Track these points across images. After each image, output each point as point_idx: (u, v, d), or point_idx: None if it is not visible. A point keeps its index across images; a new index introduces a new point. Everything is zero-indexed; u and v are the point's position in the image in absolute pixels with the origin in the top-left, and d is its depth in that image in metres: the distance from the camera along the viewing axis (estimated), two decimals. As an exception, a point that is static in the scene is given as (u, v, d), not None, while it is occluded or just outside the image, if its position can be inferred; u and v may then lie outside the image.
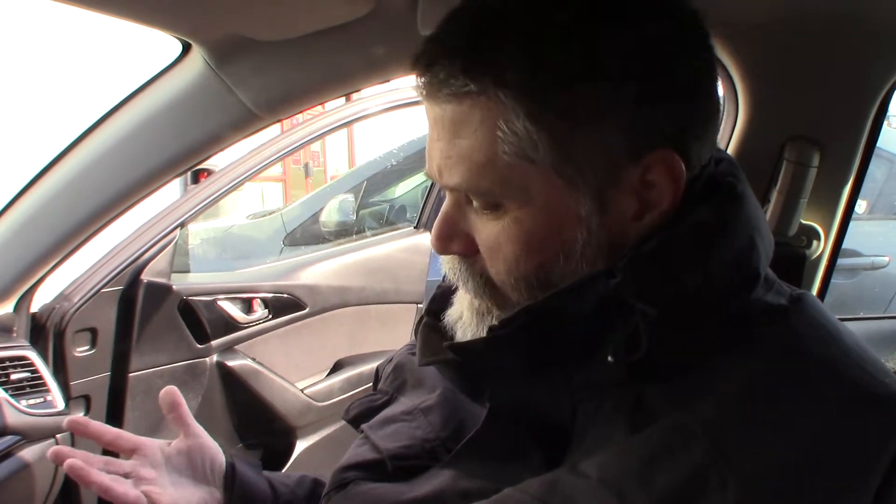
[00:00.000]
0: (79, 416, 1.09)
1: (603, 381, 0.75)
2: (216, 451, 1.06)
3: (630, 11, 0.73)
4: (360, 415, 0.99)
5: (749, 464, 0.66)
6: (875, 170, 4.42)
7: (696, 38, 0.76)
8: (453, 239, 0.80)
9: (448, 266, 0.83)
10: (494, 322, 0.79)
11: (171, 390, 1.05)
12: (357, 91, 1.54)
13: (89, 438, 1.04)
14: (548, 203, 0.74)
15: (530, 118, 0.71)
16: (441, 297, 0.92)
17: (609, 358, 0.72)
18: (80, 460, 0.96)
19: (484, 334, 0.80)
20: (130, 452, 1.03)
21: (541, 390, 0.80)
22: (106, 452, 2.12)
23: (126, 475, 1.00)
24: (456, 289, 0.87)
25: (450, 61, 0.73)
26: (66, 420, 1.05)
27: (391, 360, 1.04)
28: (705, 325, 0.74)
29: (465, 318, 0.83)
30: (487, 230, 0.77)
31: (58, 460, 0.99)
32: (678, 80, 0.74)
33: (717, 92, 0.79)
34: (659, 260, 0.73)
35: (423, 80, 0.76)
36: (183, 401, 1.06)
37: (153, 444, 1.04)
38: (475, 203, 0.77)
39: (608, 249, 0.76)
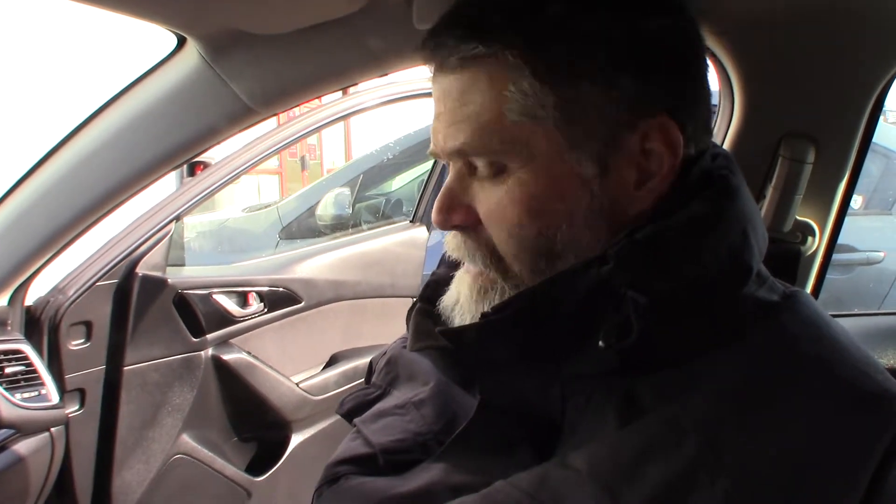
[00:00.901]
0: None
1: (593, 372, 0.75)
2: None
3: None
4: (353, 409, 1.00)
5: (739, 460, 0.66)
6: (871, 165, 4.42)
7: (687, 23, 0.80)
8: (455, 211, 0.81)
9: (452, 244, 0.84)
10: (499, 297, 0.80)
11: None
12: (354, 85, 1.54)
13: None
14: (551, 163, 0.76)
15: (537, 77, 0.74)
16: (434, 285, 0.93)
17: (600, 343, 0.73)
18: None
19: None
20: None
21: (531, 382, 0.80)
22: (101, 442, 2.13)
23: None
24: (450, 278, 0.87)
25: (460, 28, 0.76)
26: None
27: (384, 354, 1.04)
28: (696, 318, 0.74)
29: (464, 299, 0.83)
30: (490, 196, 0.78)
31: None
32: (673, 57, 0.78)
33: (707, 78, 0.82)
34: (651, 249, 0.73)
35: (432, 52, 0.79)
36: None
37: None
38: (479, 167, 0.78)
39: (609, 217, 0.77)
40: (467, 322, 0.82)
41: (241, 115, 1.30)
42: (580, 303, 0.74)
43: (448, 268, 0.95)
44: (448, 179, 0.82)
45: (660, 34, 0.77)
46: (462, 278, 0.84)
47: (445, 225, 0.82)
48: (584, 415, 0.75)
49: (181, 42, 1.24)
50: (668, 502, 0.65)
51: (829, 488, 0.66)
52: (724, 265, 0.75)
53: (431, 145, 0.83)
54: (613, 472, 0.68)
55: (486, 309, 0.80)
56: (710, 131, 0.83)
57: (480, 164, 0.78)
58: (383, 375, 1.01)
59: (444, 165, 3.19)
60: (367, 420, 0.94)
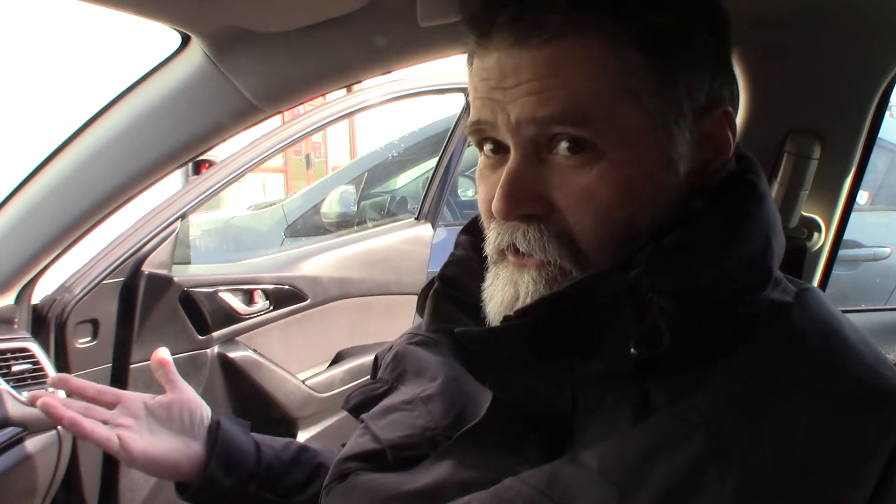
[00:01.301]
0: (62, 374, 1.13)
1: (608, 373, 0.75)
2: (200, 407, 1.11)
3: None
4: (360, 404, 0.99)
5: (748, 457, 0.66)
6: (877, 161, 4.41)
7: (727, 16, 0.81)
8: (526, 199, 0.75)
9: (512, 235, 0.77)
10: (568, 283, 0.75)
11: (162, 351, 1.12)
12: (358, 82, 1.54)
13: (72, 394, 1.10)
14: (646, 143, 0.74)
15: (643, 53, 0.73)
16: (454, 267, 0.90)
17: (632, 350, 0.71)
18: (54, 400, 1.04)
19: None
20: (113, 405, 1.09)
21: (544, 380, 0.79)
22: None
23: (104, 422, 1.05)
24: (476, 264, 0.85)
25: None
26: (51, 378, 1.10)
27: (390, 349, 1.04)
28: (715, 322, 0.73)
29: (531, 295, 0.76)
30: (576, 180, 0.73)
31: (31, 400, 1.08)
32: (727, 48, 0.81)
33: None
34: (680, 254, 0.73)
35: (514, 25, 0.73)
36: (171, 360, 1.12)
37: (135, 396, 1.10)
38: (562, 145, 0.73)
39: (679, 200, 0.77)
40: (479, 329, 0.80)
41: (245, 113, 1.30)
42: (604, 308, 0.73)
43: (466, 251, 0.91)
44: (514, 162, 0.75)
45: (726, 31, 0.79)
46: (519, 273, 0.78)
47: (514, 214, 0.75)
48: (596, 413, 0.75)
49: (185, 40, 1.24)
50: (676, 499, 0.65)
51: (838, 484, 0.66)
52: (746, 270, 0.75)
53: (480, 116, 0.77)
54: (623, 469, 0.68)
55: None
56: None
57: (566, 140, 0.73)
58: (389, 371, 1.00)
59: (449, 162, 3.20)
60: (374, 416, 0.94)
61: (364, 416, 0.95)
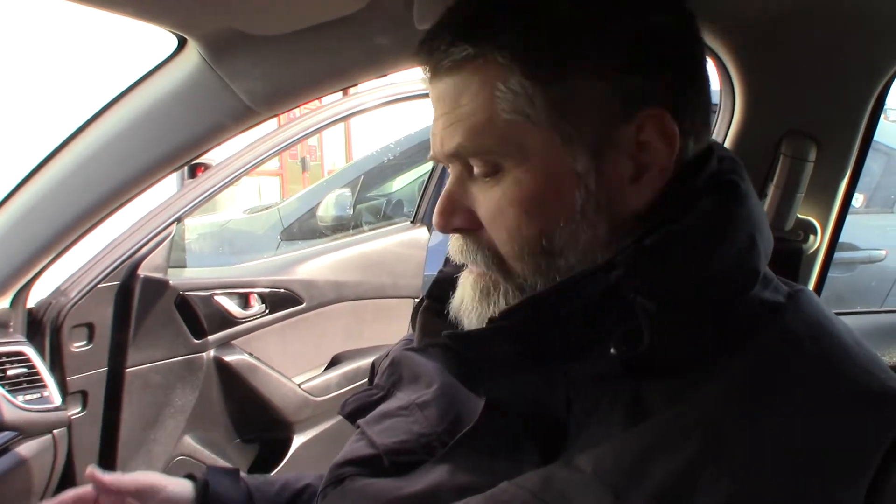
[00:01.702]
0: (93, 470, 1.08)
1: (601, 376, 0.75)
2: (177, 496, 1.06)
3: None
4: (356, 410, 1.00)
5: (743, 459, 0.66)
6: (872, 163, 4.42)
7: (679, 12, 0.80)
8: (455, 214, 0.81)
9: (455, 247, 0.84)
10: (503, 298, 0.80)
11: (90, 474, 1.04)
12: (354, 85, 1.54)
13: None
14: (545, 160, 0.76)
15: (526, 76, 0.74)
16: (443, 282, 0.92)
17: (612, 350, 0.73)
18: None
19: (489, 315, 0.80)
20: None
21: (537, 383, 0.80)
22: (103, 444, 2.12)
23: None
24: (457, 276, 0.87)
25: (451, 32, 0.77)
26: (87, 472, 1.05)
27: (387, 355, 1.04)
28: (704, 323, 0.74)
29: (468, 300, 0.83)
30: (488, 198, 0.78)
31: None
32: (666, 51, 0.78)
33: (704, 69, 0.82)
34: (660, 254, 0.73)
35: (427, 57, 0.79)
36: (104, 476, 1.05)
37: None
38: (476, 169, 0.79)
39: (608, 212, 0.77)
40: (473, 323, 0.82)
41: (242, 116, 1.30)
42: (589, 309, 0.74)
43: (455, 266, 0.94)
44: (448, 183, 0.83)
45: (653, 29, 0.77)
46: (465, 279, 0.84)
47: (446, 228, 0.82)
48: (590, 417, 0.75)
49: (182, 43, 1.24)
50: (672, 501, 0.65)
51: (833, 486, 0.66)
52: (731, 270, 0.75)
53: (431, 150, 0.84)
54: (618, 472, 0.68)
55: (490, 310, 0.80)
56: (708, 127, 0.83)
57: (477, 165, 0.78)
58: (386, 377, 1.00)
59: (444, 166, 3.20)
60: (370, 421, 0.94)
61: (360, 421, 0.96)
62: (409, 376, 0.97)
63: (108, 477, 1.04)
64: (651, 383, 0.73)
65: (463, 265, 0.87)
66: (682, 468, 0.66)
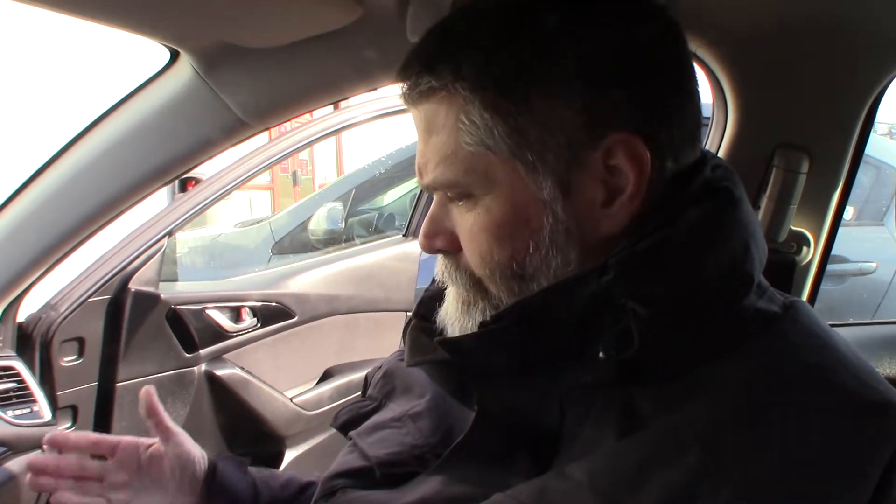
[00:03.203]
0: (57, 431, 1.12)
1: (593, 383, 0.75)
2: (194, 459, 1.08)
3: (579, 4, 0.77)
4: (348, 421, 0.99)
5: (742, 472, 0.65)
6: (862, 176, 4.43)
7: (655, 26, 0.79)
8: (437, 236, 0.83)
9: (439, 266, 0.85)
10: (480, 314, 0.81)
11: (148, 392, 1.09)
12: (346, 98, 1.54)
13: (69, 450, 1.10)
14: (511, 190, 0.76)
15: (485, 106, 0.75)
16: (429, 301, 0.93)
17: (601, 354, 0.72)
18: (52, 466, 1.07)
19: (471, 326, 0.81)
20: (110, 454, 1.10)
21: (529, 393, 0.79)
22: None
23: (99, 479, 1.09)
24: (445, 291, 0.88)
25: (419, 63, 0.78)
26: (45, 437, 1.07)
27: (380, 368, 1.04)
28: (697, 329, 0.73)
29: (451, 312, 0.84)
30: (464, 223, 0.80)
31: (33, 470, 1.09)
32: (633, 65, 0.76)
33: (689, 83, 0.80)
34: (652, 258, 0.73)
35: (402, 86, 0.81)
36: (159, 405, 1.09)
37: (131, 446, 1.10)
38: (451, 196, 0.81)
39: (579, 238, 0.77)
40: (457, 333, 0.82)
41: (234, 129, 1.30)
42: (580, 312, 0.74)
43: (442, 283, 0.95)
44: (432, 206, 0.84)
45: (619, 48, 0.75)
46: (449, 293, 0.86)
47: (429, 249, 0.85)
48: (583, 426, 0.75)
49: (174, 56, 1.24)
50: None
51: (832, 498, 0.66)
52: (726, 276, 0.74)
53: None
54: (614, 483, 0.67)
55: (470, 322, 0.81)
56: (696, 141, 0.82)
57: (450, 193, 0.80)
58: (379, 388, 1.00)
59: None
60: (363, 433, 0.94)
61: (352, 433, 0.96)
62: (402, 387, 0.97)
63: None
64: (644, 390, 0.72)
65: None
66: (681, 480, 0.65)
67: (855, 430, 0.69)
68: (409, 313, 0.97)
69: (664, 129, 0.77)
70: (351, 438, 0.95)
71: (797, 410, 0.69)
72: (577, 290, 0.74)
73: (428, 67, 0.77)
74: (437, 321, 0.87)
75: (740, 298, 0.75)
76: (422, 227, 0.85)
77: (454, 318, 0.83)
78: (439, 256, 0.85)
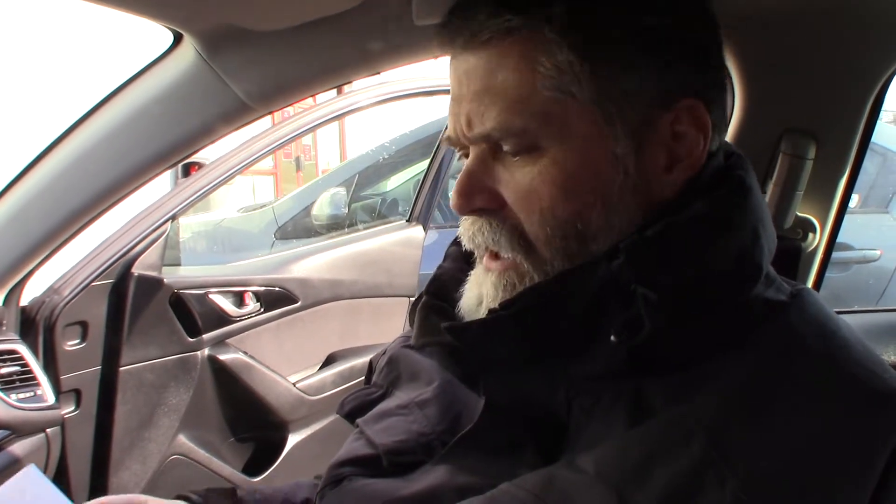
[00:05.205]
0: None
1: (601, 372, 0.74)
2: None
3: None
4: (355, 409, 0.98)
5: (748, 461, 0.65)
6: (867, 163, 4.40)
7: (710, 13, 0.80)
8: (477, 194, 0.78)
9: (471, 229, 0.80)
10: (523, 285, 0.78)
11: None
12: (349, 83, 1.54)
13: None
14: (586, 140, 0.74)
15: (574, 52, 0.73)
16: (441, 279, 0.91)
17: (612, 338, 0.71)
18: None
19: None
20: None
21: (537, 382, 0.78)
22: (97, 443, 2.11)
23: None
24: (459, 273, 0.86)
25: (493, 1, 0.74)
26: None
27: (384, 353, 1.03)
28: (706, 319, 0.73)
29: (491, 299, 0.79)
30: (521, 177, 0.76)
31: None
32: (698, 45, 0.78)
33: (726, 70, 0.82)
34: (662, 244, 0.73)
35: (459, 28, 0.77)
36: None
37: None
38: (508, 148, 0.76)
39: (643, 200, 0.76)
40: (466, 321, 0.81)
41: (238, 113, 1.29)
42: (590, 299, 0.73)
43: (454, 262, 0.93)
44: (469, 162, 0.79)
45: (691, 23, 0.77)
46: (484, 276, 0.81)
47: (466, 209, 0.79)
48: (591, 416, 0.74)
49: (177, 39, 1.23)
50: (678, 502, 0.65)
51: (838, 487, 0.66)
52: (735, 264, 0.74)
53: (449, 131, 0.81)
54: (622, 473, 0.67)
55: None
56: (726, 124, 0.83)
57: (509, 144, 0.76)
58: (384, 375, 0.99)
59: (440, 164, 3.20)
60: (369, 420, 0.93)
61: (359, 420, 0.95)
62: (408, 374, 0.96)
63: None
64: (652, 380, 0.72)
65: (467, 261, 0.86)
66: (687, 470, 0.65)
67: (860, 418, 0.68)
68: (413, 299, 0.95)
69: (717, 105, 0.79)
70: (357, 426, 0.94)
71: (804, 400, 0.68)
72: (589, 276, 0.73)
73: (510, 4, 0.74)
74: (460, 311, 0.84)
75: (749, 288, 0.75)
76: (456, 185, 0.79)
77: (490, 297, 0.80)
78: (469, 220, 0.81)
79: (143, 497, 0.99)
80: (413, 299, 0.95)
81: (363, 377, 1.07)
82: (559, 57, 0.73)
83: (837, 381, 0.70)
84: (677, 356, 0.72)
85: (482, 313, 0.80)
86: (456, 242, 0.95)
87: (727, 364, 0.71)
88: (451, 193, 0.79)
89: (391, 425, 0.90)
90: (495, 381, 0.81)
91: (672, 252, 0.73)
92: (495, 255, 0.80)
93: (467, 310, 0.82)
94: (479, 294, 0.81)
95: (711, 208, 0.74)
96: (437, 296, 0.89)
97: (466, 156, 0.82)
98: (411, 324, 0.92)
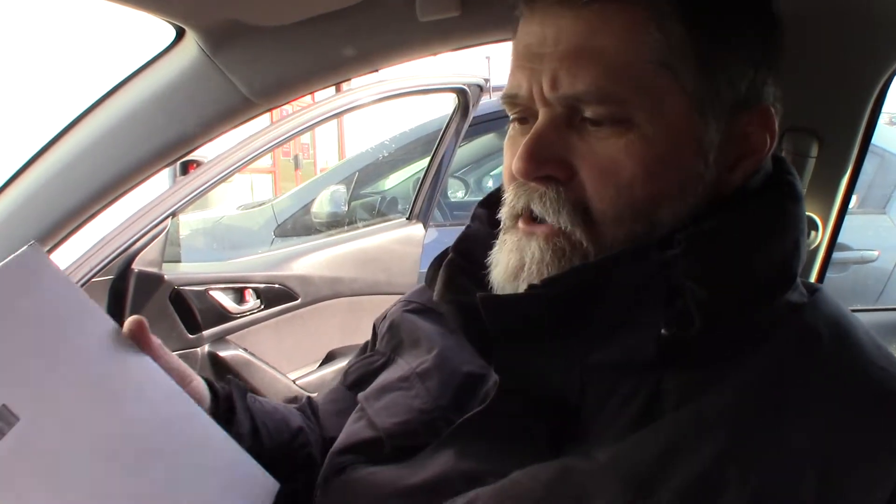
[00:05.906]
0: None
1: (622, 362, 0.72)
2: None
3: None
4: (358, 379, 0.98)
5: (767, 458, 0.65)
6: (866, 164, 4.40)
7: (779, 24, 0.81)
8: (547, 160, 0.73)
9: (528, 195, 0.75)
10: (578, 260, 0.74)
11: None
12: (348, 80, 1.53)
13: None
14: (679, 122, 0.73)
15: (687, 24, 0.71)
16: (469, 239, 0.89)
17: (663, 331, 0.70)
18: None
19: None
20: None
21: (553, 360, 0.75)
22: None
23: None
24: (490, 236, 0.83)
25: None
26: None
27: (385, 318, 1.02)
28: (738, 319, 0.73)
29: (536, 262, 0.75)
30: (601, 149, 0.72)
31: None
32: (777, 49, 0.79)
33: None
34: (718, 241, 0.72)
35: None
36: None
37: None
38: (592, 115, 0.72)
39: (711, 193, 0.76)
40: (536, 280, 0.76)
41: (240, 108, 1.29)
42: (633, 286, 0.71)
43: (482, 225, 0.90)
44: (541, 123, 0.74)
45: (774, 29, 0.78)
46: (527, 241, 0.76)
47: (533, 174, 0.74)
48: (606, 405, 0.73)
49: (180, 34, 1.23)
50: (700, 497, 0.64)
51: (856, 485, 0.65)
52: (775, 270, 0.74)
53: (515, 89, 0.77)
54: (641, 468, 0.66)
55: (557, 270, 0.75)
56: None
57: (598, 111, 0.71)
58: (386, 342, 0.98)
59: (440, 163, 3.18)
60: (370, 396, 0.91)
61: (360, 396, 0.93)
62: (410, 340, 0.95)
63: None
64: (673, 374, 0.71)
65: (497, 225, 0.82)
66: (708, 466, 0.65)
67: (877, 417, 0.68)
68: (440, 253, 0.91)
69: (778, 112, 0.79)
70: (358, 402, 0.93)
71: (820, 398, 0.68)
72: (639, 262, 0.72)
73: None
74: (494, 277, 0.79)
75: (782, 294, 0.75)
76: (524, 148, 0.73)
77: (538, 269, 0.75)
78: (523, 187, 0.76)
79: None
80: (437, 256, 0.91)
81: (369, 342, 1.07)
82: (669, 29, 0.71)
83: (853, 380, 0.70)
84: (703, 353, 0.71)
85: (522, 279, 0.76)
86: (483, 204, 0.93)
87: (747, 362, 0.70)
88: (517, 156, 0.74)
89: (392, 402, 0.87)
90: (509, 358, 0.77)
91: (727, 250, 0.72)
92: (533, 219, 0.76)
93: (505, 277, 0.78)
94: (520, 259, 0.76)
95: (766, 210, 0.74)
96: (464, 256, 0.87)
97: (522, 120, 0.78)
98: (429, 282, 0.90)
